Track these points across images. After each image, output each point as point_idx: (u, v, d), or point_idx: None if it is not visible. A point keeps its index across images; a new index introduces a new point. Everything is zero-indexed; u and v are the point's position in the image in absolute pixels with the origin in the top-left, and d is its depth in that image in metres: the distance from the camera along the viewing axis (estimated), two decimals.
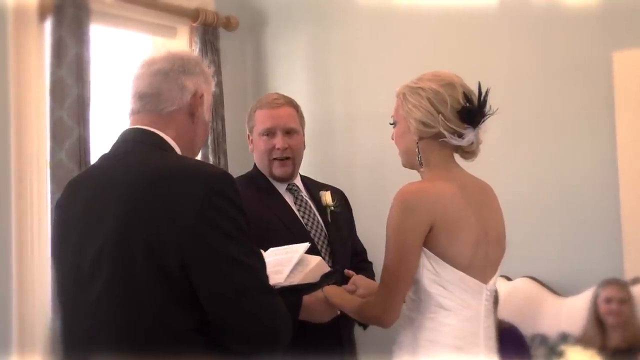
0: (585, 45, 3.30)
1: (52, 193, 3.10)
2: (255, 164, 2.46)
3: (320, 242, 2.31)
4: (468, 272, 1.79)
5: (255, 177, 2.41)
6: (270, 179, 2.39)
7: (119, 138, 1.59)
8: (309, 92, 4.04)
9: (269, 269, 1.78)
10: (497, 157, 3.38)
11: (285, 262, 1.86)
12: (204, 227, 1.37)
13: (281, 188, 2.39)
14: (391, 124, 1.96)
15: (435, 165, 1.87)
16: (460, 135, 1.82)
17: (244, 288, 1.39)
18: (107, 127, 3.41)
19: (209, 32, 3.95)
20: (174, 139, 1.56)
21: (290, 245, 1.96)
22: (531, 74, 3.43)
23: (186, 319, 1.39)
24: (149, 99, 1.56)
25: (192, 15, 3.86)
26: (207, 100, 1.64)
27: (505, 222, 1.97)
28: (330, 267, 2.05)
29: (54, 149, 3.14)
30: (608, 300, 3.04)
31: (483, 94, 1.84)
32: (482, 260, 1.83)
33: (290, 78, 4.17)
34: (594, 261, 3.23)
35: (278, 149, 2.34)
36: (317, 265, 1.91)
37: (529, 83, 3.43)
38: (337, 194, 2.50)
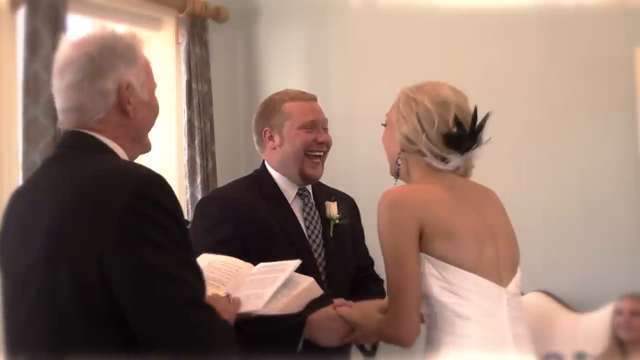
0: (605, 42, 3.28)
1: None
2: (264, 163, 2.39)
3: (319, 259, 2.28)
4: (478, 273, 1.75)
5: (262, 178, 2.35)
6: (286, 180, 2.33)
7: (58, 142, 1.57)
8: (305, 89, 3.96)
9: (251, 290, 1.70)
10: (509, 161, 3.36)
11: (268, 283, 1.75)
12: (125, 236, 1.33)
13: (291, 193, 2.34)
14: (383, 124, 1.97)
15: (420, 177, 1.87)
16: (444, 159, 1.82)
17: (170, 303, 1.34)
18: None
19: (197, 24, 3.93)
20: (113, 140, 1.52)
21: (280, 262, 1.87)
22: (546, 72, 3.40)
23: (113, 337, 1.35)
24: (72, 112, 1.50)
25: (179, 5, 3.84)
26: (138, 80, 1.55)
27: (517, 231, 1.94)
28: (324, 289, 1.96)
29: (27, 151, 3.10)
30: (619, 312, 3.07)
31: (480, 119, 1.83)
32: (493, 260, 1.79)
33: (285, 74, 4.14)
34: (614, 274, 3.20)
35: (321, 142, 2.34)
36: (307, 287, 1.80)
37: (545, 82, 3.40)
38: (347, 204, 2.47)
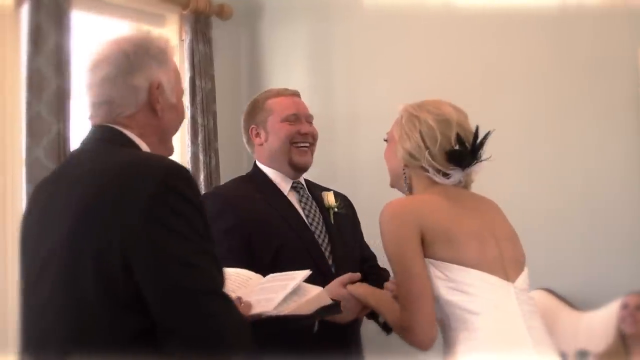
0: (608, 42, 3.26)
1: (28, 194, 3.07)
2: (255, 163, 2.45)
3: (324, 245, 2.32)
4: (481, 269, 1.79)
5: (256, 177, 2.42)
6: (279, 174, 2.39)
7: (85, 136, 1.60)
8: (308, 87, 4.00)
9: (261, 296, 1.73)
10: (513, 160, 3.34)
11: (279, 289, 1.78)
12: (150, 226, 1.35)
13: (286, 186, 2.39)
14: (385, 140, 2.04)
15: (422, 190, 1.94)
16: (446, 175, 1.88)
17: (190, 292, 1.36)
18: (88, 123, 3.37)
19: (201, 20, 3.93)
20: (140, 137, 1.56)
21: (291, 272, 1.90)
22: (550, 72, 3.38)
23: (134, 324, 1.36)
24: (102, 106, 1.55)
25: (183, 2, 3.85)
26: (168, 82, 1.60)
27: (521, 230, 1.97)
28: (332, 275, 1.99)
29: (30, 146, 3.10)
30: (624, 306, 3.07)
31: (480, 137, 1.89)
32: (497, 258, 1.83)
33: (288, 72, 4.14)
34: (617, 274, 3.18)
35: (304, 133, 2.39)
36: (316, 296, 1.82)
37: (548, 82, 3.38)
38: (340, 197, 2.52)
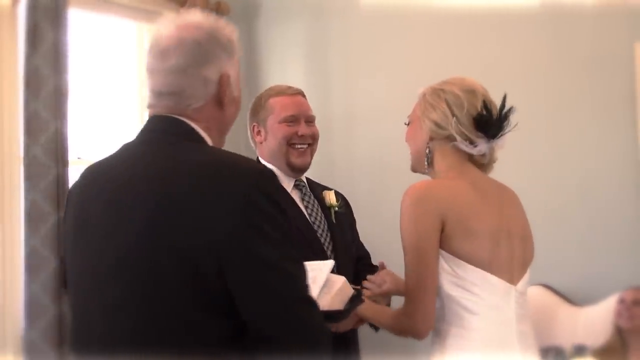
0: (605, 38, 3.26)
1: (26, 192, 3.05)
2: (257, 159, 2.45)
3: (326, 244, 2.34)
4: (490, 271, 1.79)
5: None
6: (280, 173, 2.38)
7: (144, 126, 1.51)
8: (305, 85, 3.92)
9: None
10: (510, 156, 3.33)
11: (309, 283, 1.81)
12: (245, 229, 1.32)
13: (288, 185, 2.40)
14: (406, 124, 2.02)
15: (446, 168, 1.90)
16: (472, 143, 1.86)
17: (284, 297, 1.35)
18: (86, 121, 3.37)
19: None
20: (205, 131, 1.49)
21: (313, 262, 1.90)
22: (547, 68, 3.39)
23: (219, 327, 1.35)
24: (170, 96, 1.47)
25: None
26: (235, 75, 1.54)
27: None
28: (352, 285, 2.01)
29: (27, 145, 3.07)
30: (621, 301, 3.10)
31: (506, 108, 1.88)
32: (507, 259, 1.83)
33: (285, 70, 4.13)
34: (614, 269, 3.20)
35: (302, 135, 2.39)
36: (343, 285, 1.85)
37: (545, 78, 3.39)
38: (339, 196, 2.54)
